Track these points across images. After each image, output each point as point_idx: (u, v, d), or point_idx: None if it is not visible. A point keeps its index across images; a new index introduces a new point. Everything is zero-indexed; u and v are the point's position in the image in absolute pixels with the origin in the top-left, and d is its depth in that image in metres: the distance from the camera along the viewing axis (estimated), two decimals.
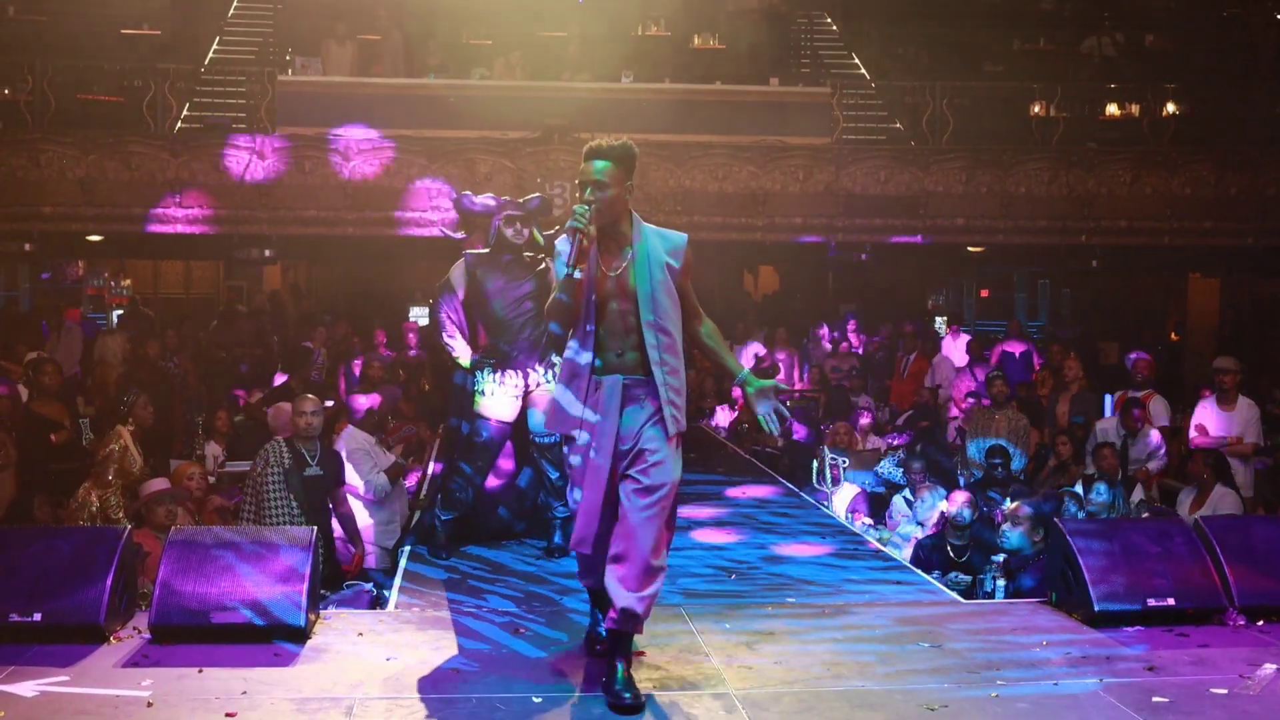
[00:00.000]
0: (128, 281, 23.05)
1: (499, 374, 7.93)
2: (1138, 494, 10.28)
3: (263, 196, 15.28)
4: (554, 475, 7.91)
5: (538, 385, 7.95)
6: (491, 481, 8.34)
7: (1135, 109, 17.72)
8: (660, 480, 5.23)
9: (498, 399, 7.91)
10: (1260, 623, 6.42)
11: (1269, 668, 5.67)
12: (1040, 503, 8.64)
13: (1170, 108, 17.50)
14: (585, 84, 17.18)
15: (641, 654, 5.84)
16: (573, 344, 5.44)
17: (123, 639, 5.98)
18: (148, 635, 5.96)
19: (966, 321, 22.41)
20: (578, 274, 5.28)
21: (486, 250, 8.07)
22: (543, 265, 8.02)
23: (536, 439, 7.97)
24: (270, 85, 16.10)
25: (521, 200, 8.09)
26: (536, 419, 7.91)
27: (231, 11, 19.50)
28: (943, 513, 9.14)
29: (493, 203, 8.04)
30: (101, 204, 15.14)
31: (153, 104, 15.91)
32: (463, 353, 8.10)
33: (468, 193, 8.24)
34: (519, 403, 7.96)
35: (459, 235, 8.17)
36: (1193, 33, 19.97)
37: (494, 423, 7.95)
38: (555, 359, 7.91)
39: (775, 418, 5.53)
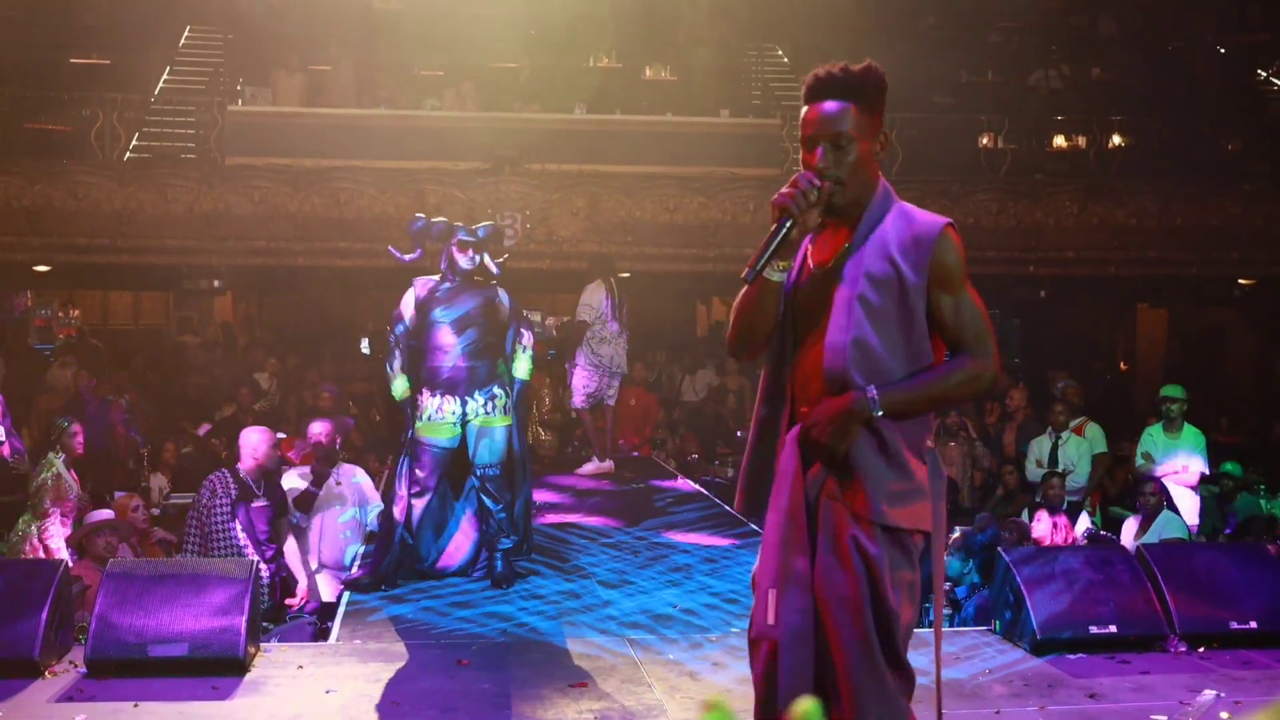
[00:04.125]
0: (76, 312, 22.85)
1: (439, 399, 7.89)
2: (1083, 522, 10.34)
3: (211, 226, 15.19)
4: (495, 507, 7.87)
5: (475, 415, 7.88)
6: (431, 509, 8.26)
7: (1082, 141, 17.94)
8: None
9: (435, 425, 7.87)
10: (1201, 649, 6.46)
11: (1209, 694, 5.70)
12: (971, 532, 8.68)
13: (1116, 139, 17.73)
14: (537, 115, 17.23)
15: (584, 684, 5.82)
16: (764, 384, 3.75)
17: (58, 673, 5.90)
18: (83, 669, 5.88)
19: None
20: (778, 275, 3.57)
21: (436, 276, 8.05)
22: (491, 295, 8.00)
23: (479, 470, 7.92)
24: (220, 115, 16.06)
25: (474, 227, 8.07)
26: (479, 450, 7.88)
27: (182, 41, 19.44)
28: None
29: (444, 227, 8.02)
30: (48, 233, 15.00)
31: (101, 133, 15.82)
32: (399, 386, 8.04)
33: (422, 215, 8.22)
34: (458, 429, 7.92)
35: (407, 258, 8.12)
36: (1138, 66, 20.24)
37: (432, 448, 7.90)
38: (497, 390, 7.90)
39: None
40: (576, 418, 12.89)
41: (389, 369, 8.10)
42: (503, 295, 8.09)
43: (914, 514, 3.46)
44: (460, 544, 8.31)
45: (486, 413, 7.87)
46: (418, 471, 7.92)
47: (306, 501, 9.00)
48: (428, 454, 7.90)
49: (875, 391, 3.43)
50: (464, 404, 7.88)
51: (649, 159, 16.35)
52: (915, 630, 3.55)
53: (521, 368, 8.15)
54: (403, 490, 7.99)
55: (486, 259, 8.01)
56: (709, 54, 19.38)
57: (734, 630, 6.92)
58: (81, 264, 15.64)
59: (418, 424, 7.90)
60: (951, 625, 7.79)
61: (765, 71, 20.33)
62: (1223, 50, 21.02)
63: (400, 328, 8.06)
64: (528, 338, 8.18)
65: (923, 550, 3.52)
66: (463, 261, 7.90)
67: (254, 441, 8.41)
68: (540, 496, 10.53)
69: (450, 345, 7.86)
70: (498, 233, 8.24)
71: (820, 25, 19.66)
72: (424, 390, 7.92)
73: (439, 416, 7.85)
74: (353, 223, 15.32)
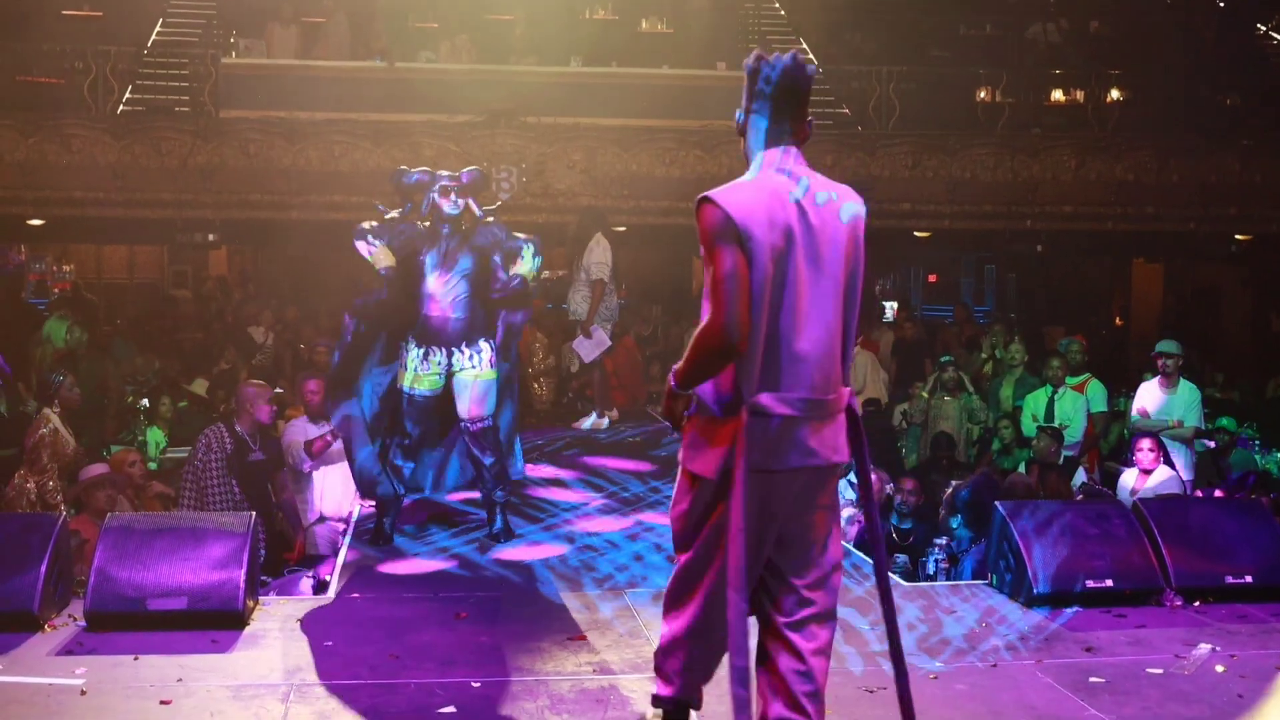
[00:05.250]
0: (70, 266, 22.81)
1: (422, 350, 7.83)
2: (1079, 477, 10.37)
3: (206, 180, 15.11)
4: (489, 461, 7.83)
5: (460, 368, 7.78)
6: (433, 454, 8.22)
7: (1080, 95, 17.85)
8: None
9: (421, 375, 7.79)
10: (1196, 603, 6.51)
11: (1204, 648, 5.74)
12: (967, 487, 8.72)
13: (1114, 94, 17.65)
14: (532, 68, 17.14)
15: (582, 638, 5.84)
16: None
17: (57, 627, 5.93)
18: (83, 623, 5.90)
19: (914, 306, 22.55)
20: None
21: (425, 224, 7.93)
22: (484, 235, 7.89)
23: (469, 425, 7.83)
24: (213, 68, 15.96)
25: (456, 173, 7.95)
26: (463, 405, 7.80)
27: None
28: (887, 494, 9.19)
29: (426, 176, 7.90)
30: (41, 187, 14.89)
31: (94, 86, 15.70)
32: (381, 255, 7.74)
33: (403, 167, 8.12)
34: (442, 380, 7.82)
35: (394, 213, 7.99)
36: (1136, 20, 20.13)
37: (416, 397, 7.83)
38: (483, 344, 7.80)
39: None
40: (577, 371, 12.92)
41: (371, 240, 7.76)
42: (496, 230, 7.88)
43: (700, 461, 4.00)
44: (454, 466, 8.23)
45: (472, 365, 7.76)
46: (403, 421, 7.86)
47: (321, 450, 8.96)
48: (410, 404, 7.81)
49: (673, 369, 4.01)
50: (450, 355, 7.78)
51: (646, 112, 16.25)
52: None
53: (525, 266, 7.87)
54: (385, 440, 7.89)
55: (472, 204, 7.90)
56: (705, 6, 19.28)
57: None
58: (76, 218, 15.56)
59: (401, 372, 7.82)
60: (948, 579, 7.83)
61: (762, 24, 20.20)
62: (1222, 4, 20.90)
63: (378, 233, 7.88)
64: (530, 249, 7.86)
65: (715, 490, 3.97)
66: (446, 206, 7.73)
67: (250, 395, 8.41)
68: (538, 450, 10.55)
69: (439, 294, 7.72)
70: (483, 178, 8.08)
71: None
72: (409, 339, 7.81)
73: (425, 369, 7.75)
74: (348, 176, 15.23)
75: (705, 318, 3.85)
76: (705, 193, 3.91)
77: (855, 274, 4.10)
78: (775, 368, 3.90)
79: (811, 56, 4.19)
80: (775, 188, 3.98)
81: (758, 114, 4.18)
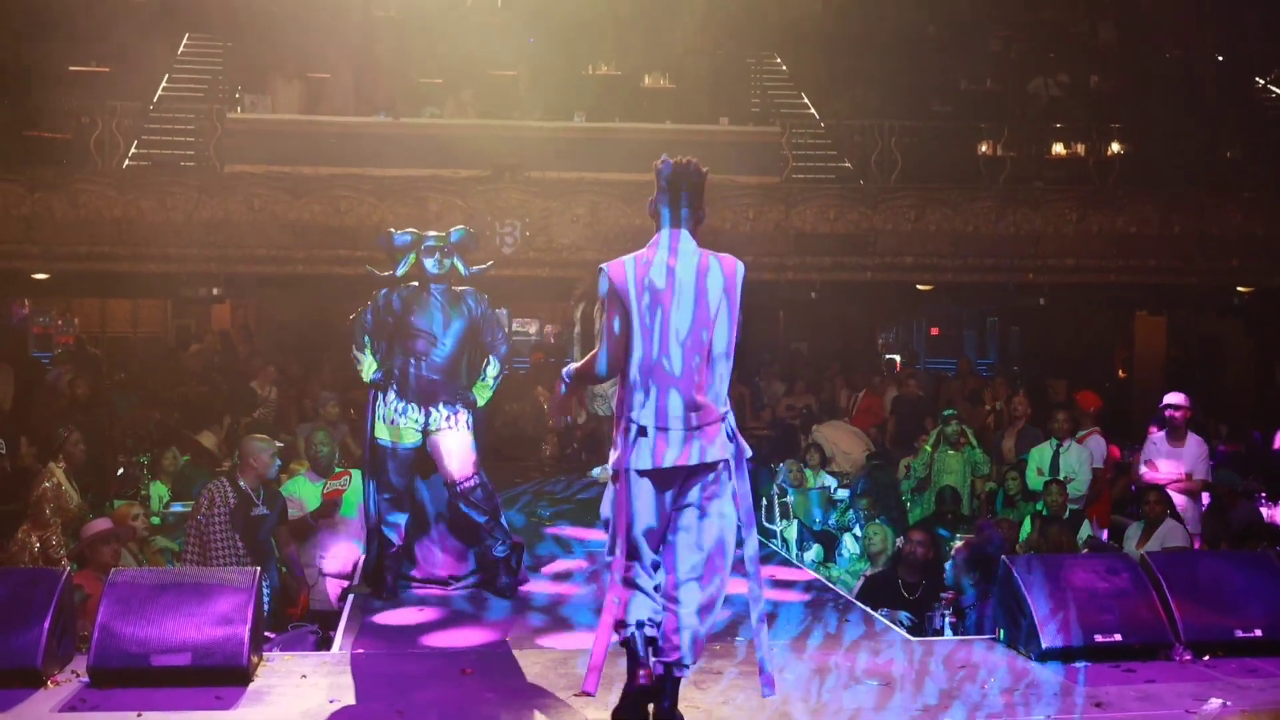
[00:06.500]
0: (75, 320, 22.83)
1: (402, 404, 7.82)
2: (1085, 530, 10.33)
3: (210, 234, 15.17)
4: (483, 520, 7.81)
5: (437, 426, 7.78)
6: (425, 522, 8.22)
7: (1081, 148, 17.94)
8: None
9: (398, 427, 7.78)
10: (1206, 658, 6.44)
11: (1215, 702, 5.69)
12: (979, 543, 8.68)
13: (1115, 147, 17.74)
14: (536, 123, 17.21)
15: (591, 693, 5.80)
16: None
17: (60, 683, 5.87)
18: (86, 679, 5.86)
19: (918, 355, 22.57)
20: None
21: (410, 283, 7.97)
22: (468, 302, 7.94)
23: (459, 487, 7.78)
24: (219, 123, 16.03)
25: (443, 233, 7.99)
26: (449, 467, 7.76)
27: (181, 49, 19.43)
28: (898, 548, 9.16)
29: (409, 238, 7.96)
30: (47, 241, 14.97)
31: (100, 141, 15.79)
32: (367, 365, 7.94)
33: (390, 230, 8.16)
34: (419, 435, 7.81)
35: (385, 274, 8.06)
36: (1136, 74, 20.25)
37: (396, 449, 7.83)
38: (461, 408, 7.80)
39: None
40: (583, 422, 12.95)
41: (355, 352, 7.99)
42: (475, 304, 7.95)
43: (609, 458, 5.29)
44: (454, 550, 8.24)
45: (450, 426, 7.77)
46: (385, 475, 7.86)
47: (300, 529, 8.93)
48: (390, 457, 7.82)
49: (565, 371, 5.59)
50: (427, 414, 7.80)
51: (648, 167, 16.20)
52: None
53: (481, 394, 8.00)
54: (375, 496, 7.91)
55: (458, 262, 7.93)
56: (707, 62, 19.41)
57: (736, 640, 6.90)
58: (80, 272, 15.61)
59: (378, 425, 7.83)
60: (957, 633, 7.79)
61: (764, 79, 20.33)
62: (1221, 58, 21.04)
63: (365, 316, 7.97)
64: (494, 368, 8.01)
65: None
66: (429, 265, 7.82)
67: (253, 450, 8.39)
68: (548, 498, 10.53)
69: (423, 353, 7.77)
70: (470, 238, 8.12)
71: (819, 34, 19.70)
72: (390, 392, 7.82)
73: (402, 420, 7.77)
74: (352, 230, 15.28)
75: (596, 350, 5.28)
76: (601, 263, 5.20)
77: (722, 320, 5.20)
78: (649, 393, 5.10)
79: (697, 162, 4.85)
80: (656, 258, 5.16)
81: (658, 203, 5.30)
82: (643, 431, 5.09)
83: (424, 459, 7.95)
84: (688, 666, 5.20)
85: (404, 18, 19.31)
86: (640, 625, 5.15)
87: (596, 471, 12.09)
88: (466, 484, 7.76)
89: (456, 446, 7.76)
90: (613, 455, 5.22)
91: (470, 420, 7.86)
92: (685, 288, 5.13)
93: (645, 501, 5.13)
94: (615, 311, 5.12)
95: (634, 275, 5.12)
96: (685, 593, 5.15)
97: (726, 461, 5.21)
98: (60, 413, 12.23)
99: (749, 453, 5.38)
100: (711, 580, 5.19)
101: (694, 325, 5.11)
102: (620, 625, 5.18)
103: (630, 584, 5.17)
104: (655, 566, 5.21)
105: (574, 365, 5.44)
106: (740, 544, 5.24)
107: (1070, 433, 11.33)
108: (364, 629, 7.11)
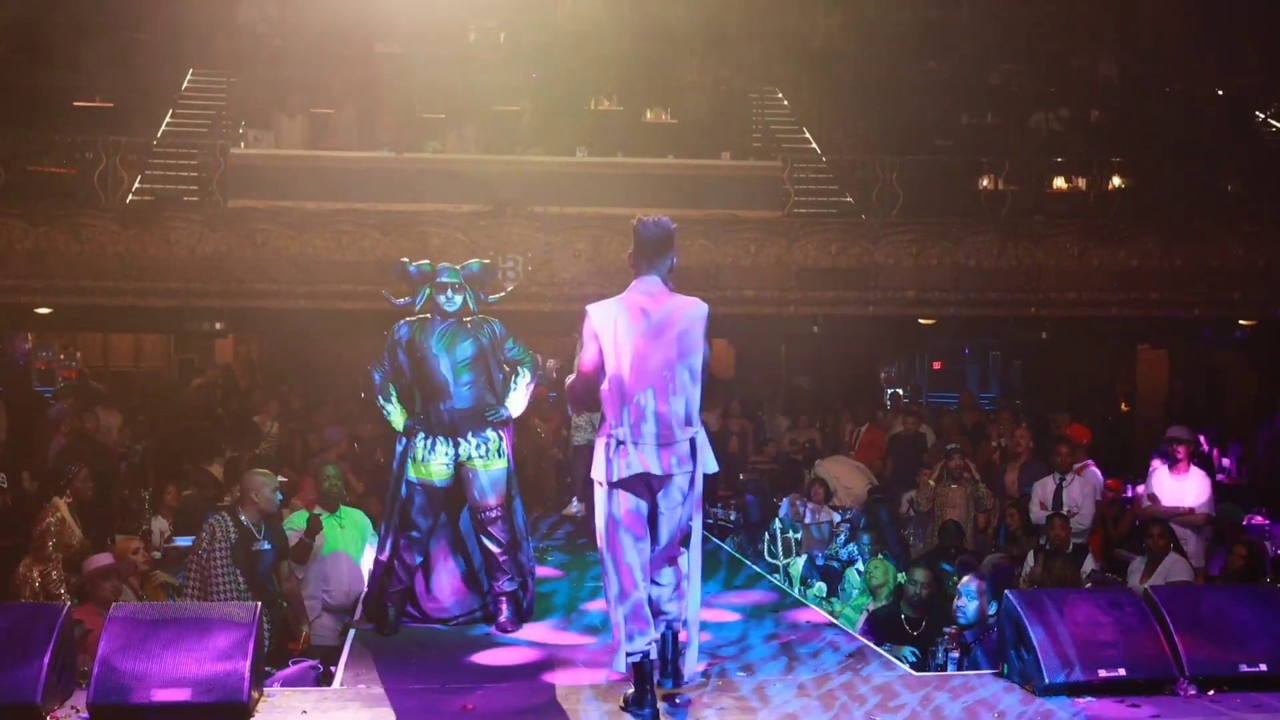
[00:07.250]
0: (78, 354, 22.84)
1: (430, 440, 7.85)
2: (1088, 564, 10.30)
3: (214, 269, 15.19)
4: (497, 550, 7.82)
5: (468, 457, 7.85)
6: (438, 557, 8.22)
7: (1082, 182, 17.96)
8: None
9: (428, 465, 7.84)
10: (1211, 692, 6.41)
11: None
12: (991, 575, 8.65)
13: (1116, 181, 17.76)
14: (538, 158, 17.24)
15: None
16: None
17: (60, 718, 5.85)
18: (86, 715, 5.84)
19: (920, 388, 22.55)
20: None
21: (424, 316, 8.01)
22: (485, 331, 7.96)
23: (480, 514, 7.87)
24: (222, 158, 16.07)
25: (458, 266, 8.03)
26: (474, 494, 7.84)
27: (185, 84, 19.48)
28: (899, 583, 9.13)
29: (426, 270, 8.00)
30: (50, 276, 15.00)
31: (104, 176, 15.82)
32: (396, 416, 8.00)
33: (405, 259, 8.19)
34: (450, 470, 7.88)
35: (400, 302, 8.10)
36: (1137, 108, 20.30)
37: (426, 488, 7.86)
38: (490, 434, 7.85)
39: None
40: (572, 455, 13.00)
41: (381, 402, 8.04)
42: (495, 328, 8.01)
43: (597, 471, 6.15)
44: (459, 589, 8.24)
45: (481, 455, 7.83)
46: (411, 514, 7.87)
47: (301, 552, 8.90)
48: (420, 495, 7.85)
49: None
50: (457, 446, 7.84)
51: (650, 201, 16.29)
52: None
53: (515, 405, 8.04)
54: (394, 534, 7.92)
55: (469, 297, 7.96)
56: (709, 97, 19.47)
57: (738, 674, 6.87)
58: (84, 306, 15.62)
59: (410, 464, 7.86)
60: (960, 668, 7.75)
61: (766, 114, 20.37)
62: (1221, 92, 21.10)
63: (383, 362, 8.01)
64: (525, 377, 8.06)
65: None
66: (442, 302, 7.87)
67: (255, 484, 8.38)
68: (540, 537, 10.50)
69: (446, 386, 7.82)
70: (485, 271, 8.16)
71: (821, 68, 19.77)
72: (418, 430, 7.89)
73: (432, 457, 7.81)
74: (355, 265, 15.30)
75: (573, 376, 6.23)
76: (587, 304, 6.12)
77: (689, 351, 6.05)
78: (625, 413, 5.96)
79: (666, 219, 5.70)
80: (631, 301, 6.07)
81: (635, 254, 6.21)
82: (621, 445, 5.97)
83: (454, 494, 7.99)
84: (685, 624, 6.19)
85: (407, 53, 19.39)
86: (645, 654, 5.86)
87: (575, 508, 12.15)
88: (489, 513, 7.81)
89: (486, 475, 7.82)
90: (595, 469, 6.10)
91: (502, 448, 7.88)
92: (656, 324, 6.01)
93: (627, 505, 6.00)
94: (595, 344, 6.03)
95: (612, 314, 6.03)
96: (664, 576, 6.17)
97: (691, 473, 6.07)
98: (69, 448, 12.21)
99: (713, 468, 6.18)
100: (680, 563, 6.21)
101: (664, 356, 5.98)
102: (627, 654, 5.91)
103: (627, 603, 5.95)
104: (643, 569, 6.00)
105: (569, 377, 6.32)
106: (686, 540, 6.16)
107: (1070, 465, 11.31)
108: (365, 664, 7.09)
